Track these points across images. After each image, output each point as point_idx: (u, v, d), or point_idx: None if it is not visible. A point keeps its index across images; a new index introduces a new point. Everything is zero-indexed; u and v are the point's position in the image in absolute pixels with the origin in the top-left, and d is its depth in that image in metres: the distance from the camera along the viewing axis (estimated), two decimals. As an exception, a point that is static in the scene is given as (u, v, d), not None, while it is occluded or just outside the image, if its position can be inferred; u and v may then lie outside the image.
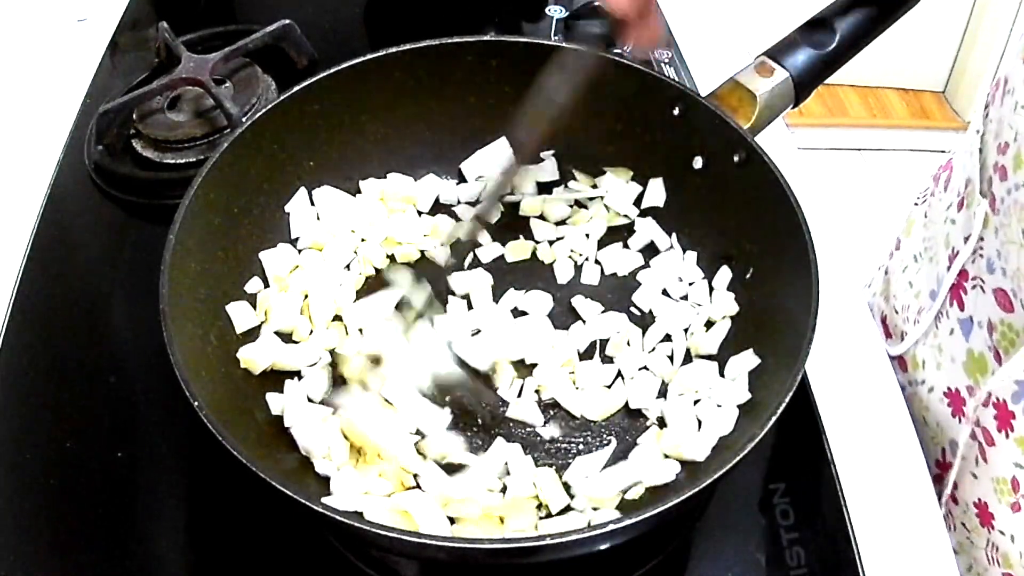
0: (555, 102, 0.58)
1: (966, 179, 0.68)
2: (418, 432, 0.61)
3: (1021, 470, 0.59)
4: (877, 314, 0.82)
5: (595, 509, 0.58)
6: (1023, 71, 0.61)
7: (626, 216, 0.73)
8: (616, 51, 0.92)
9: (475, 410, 0.63)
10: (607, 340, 0.67)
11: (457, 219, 0.74)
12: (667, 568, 0.60)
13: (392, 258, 0.71)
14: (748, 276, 0.67)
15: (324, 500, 0.55)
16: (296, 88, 0.67)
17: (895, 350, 0.76)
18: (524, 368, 0.66)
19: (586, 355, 0.67)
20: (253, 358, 0.62)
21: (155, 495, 0.62)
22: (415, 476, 0.59)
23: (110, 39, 0.95)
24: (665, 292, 0.70)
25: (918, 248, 0.77)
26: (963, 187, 0.69)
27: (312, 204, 0.71)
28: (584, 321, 0.68)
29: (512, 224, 0.74)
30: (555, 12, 0.97)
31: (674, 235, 0.72)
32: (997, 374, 0.60)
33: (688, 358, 0.66)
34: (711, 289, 0.69)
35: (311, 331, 0.66)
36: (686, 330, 0.67)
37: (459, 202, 0.75)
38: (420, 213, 0.74)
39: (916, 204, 0.82)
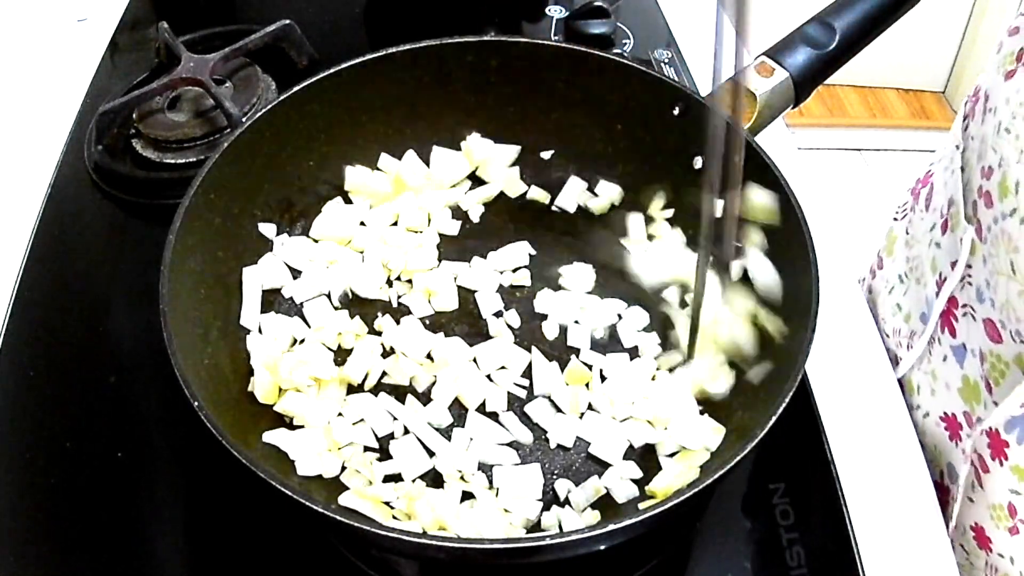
0: None
1: (948, 199, 0.66)
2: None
3: (1018, 496, 0.58)
4: None
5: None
6: (1005, 89, 0.58)
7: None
8: (616, 51, 0.93)
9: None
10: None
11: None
12: (667, 568, 0.60)
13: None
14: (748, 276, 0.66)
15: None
16: (296, 88, 0.67)
17: None
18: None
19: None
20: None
21: (155, 495, 0.62)
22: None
23: (110, 39, 0.95)
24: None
25: (902, 268, 0.76)
26: (946, 207, 0.67)
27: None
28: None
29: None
30: (555, 12, 0.97)
31: (677, 230, 0.72)
32: (990, 409, 0.59)
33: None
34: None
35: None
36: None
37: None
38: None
39: (896, 219, 0.80)
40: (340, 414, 0.62)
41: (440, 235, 0.73)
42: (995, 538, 0.61)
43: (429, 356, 0.66)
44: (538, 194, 0.75)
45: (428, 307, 0.69)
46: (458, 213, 0.74)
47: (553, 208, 0.75)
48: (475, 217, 0.74)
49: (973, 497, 0.62)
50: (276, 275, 0.67)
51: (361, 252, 0.71)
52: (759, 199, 0.62)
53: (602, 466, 0.61)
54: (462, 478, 0.60)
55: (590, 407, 0.64)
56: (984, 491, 0.61)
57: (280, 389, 0.62)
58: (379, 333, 0.67)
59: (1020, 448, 0.57)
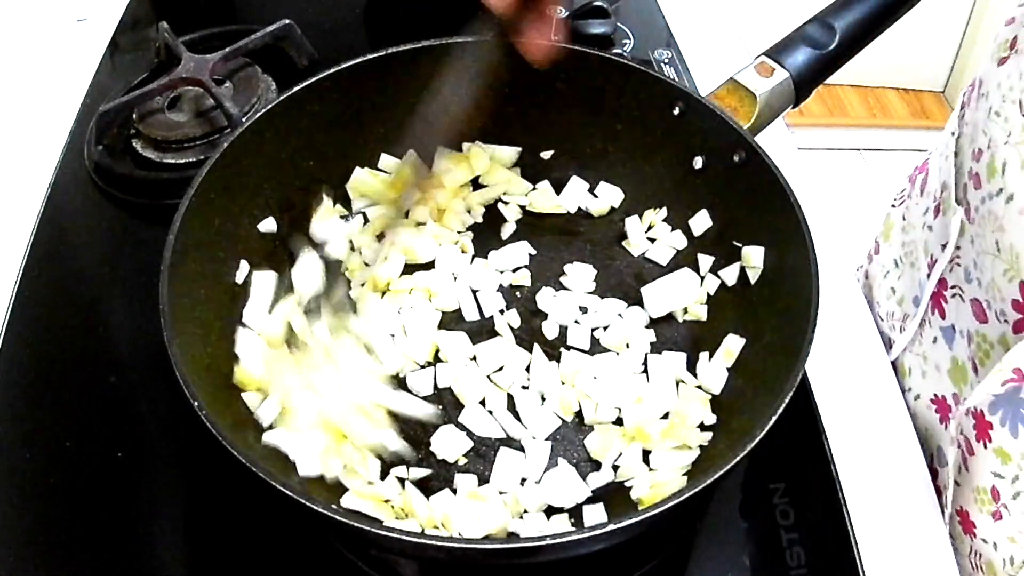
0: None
1: (942, 183, 0.67)
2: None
3: (1001, 480, 0.58)
4: None
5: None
6: (997, 74, 0.59)
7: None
8: (616, 50, 0.93)
9: None
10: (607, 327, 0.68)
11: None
12: (667, 568, 0.60)
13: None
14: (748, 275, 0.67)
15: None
16: (296, 88, 0.67)
17: None
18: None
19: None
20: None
21: (155, 495, 0.62)
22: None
23: (110, 39, 0.95)
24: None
25: (898, 253, 0.77)
26: (939, 192, 0.68)
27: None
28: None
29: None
30: (555, 12, 0.97)
31: (678, 232, 0.72)
32: (975, 388, 0.60)
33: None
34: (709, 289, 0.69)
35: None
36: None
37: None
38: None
39: (894, 206, 0.81)
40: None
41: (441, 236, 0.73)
42: (979, 523, 0.61)
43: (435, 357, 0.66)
44: (539, 194, 0.75)
45: (429, 307, 0.69)
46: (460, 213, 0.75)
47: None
48: (477, 217, 0.74)
49: (959, 480, 0.62)
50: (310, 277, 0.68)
51: (359, 251, 0.71)
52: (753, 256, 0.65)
53: (595, 465, 0.61)
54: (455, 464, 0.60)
55: (581, 413, 0.64)
56: (969, 473, 0.61)
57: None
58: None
59: (1003, 430, 0.57)
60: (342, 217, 0.73)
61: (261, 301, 0.65)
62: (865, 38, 0.67)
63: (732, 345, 0.64)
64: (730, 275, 0.67)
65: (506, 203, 0.75)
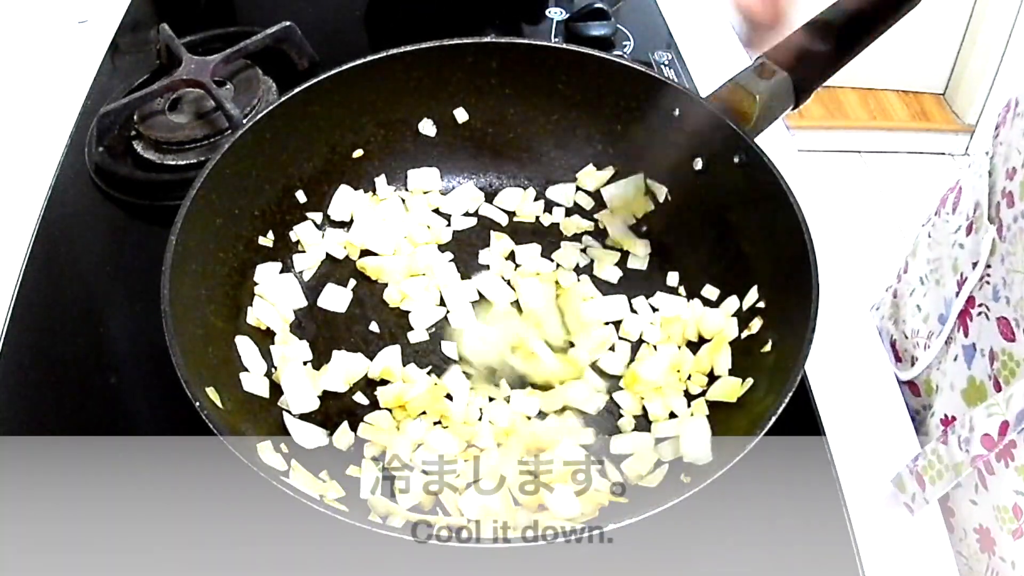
0: None
1: (975, 202, 0.67)
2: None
3: (1023, 497, 0.59)
4: (886, 338, 0.81)
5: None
6: None
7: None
8: (616, 52, 0.93)
9: None
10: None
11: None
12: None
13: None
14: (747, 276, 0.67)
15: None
16: (297, 90, 0.67)
17: (905, 375, 0.75)
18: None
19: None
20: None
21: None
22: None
23: (111, 41, 0.95)
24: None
25: (924, 271, 0.77)
26: (972, 211, 0.68)
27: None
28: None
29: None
30: (555, 14, 0.97)
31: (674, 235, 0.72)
32: (998, 408, 0.59)
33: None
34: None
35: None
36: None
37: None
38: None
39: (923, 226, 0.81)
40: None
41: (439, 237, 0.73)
42: (999, 540, 0.61)
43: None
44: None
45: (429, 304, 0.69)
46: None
47: (552, 209, 0.75)
48: (468, 222, 0.75)
49: (976, 499, 0.62)
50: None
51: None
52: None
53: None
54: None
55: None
56: (988, 492, 0.61)
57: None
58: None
59: None
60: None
61: (270, 302, 0.66)
62: (865, 39, 0.67)
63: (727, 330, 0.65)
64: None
65: (495, 206, 0.75)
